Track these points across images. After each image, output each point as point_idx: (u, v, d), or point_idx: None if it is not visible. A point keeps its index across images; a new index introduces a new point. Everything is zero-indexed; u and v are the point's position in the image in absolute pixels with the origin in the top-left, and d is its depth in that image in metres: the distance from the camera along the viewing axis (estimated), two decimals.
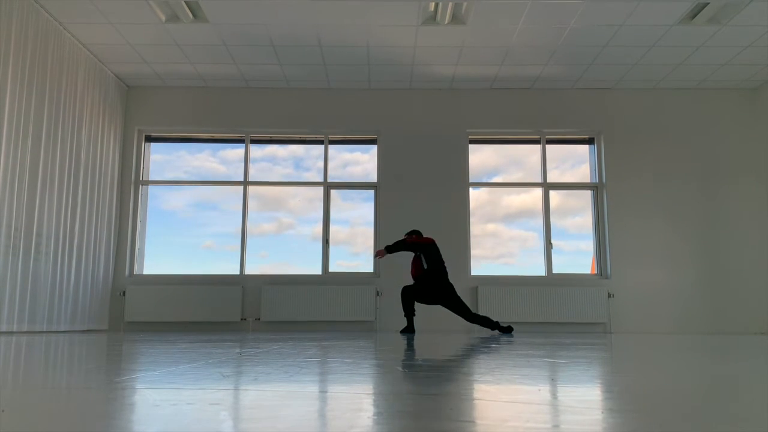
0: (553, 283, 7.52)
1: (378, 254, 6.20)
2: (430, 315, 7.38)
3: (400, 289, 6.26)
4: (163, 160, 8.09)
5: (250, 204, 7.90)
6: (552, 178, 7.99)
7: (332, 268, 7.68)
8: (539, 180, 7.93)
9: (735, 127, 7.78)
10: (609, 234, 7.61)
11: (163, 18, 6.14)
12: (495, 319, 6.59)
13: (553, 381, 1.77)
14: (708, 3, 5.81)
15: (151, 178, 8.00)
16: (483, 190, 8.11)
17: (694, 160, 7.73)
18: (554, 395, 1.47)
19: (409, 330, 6.13)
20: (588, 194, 7.96)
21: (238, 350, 3.09)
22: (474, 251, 7.74)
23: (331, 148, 8.00)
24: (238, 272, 7.63)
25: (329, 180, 7.88)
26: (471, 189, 7.85)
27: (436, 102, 7.90)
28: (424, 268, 6.14)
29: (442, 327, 7.35)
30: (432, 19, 6.20)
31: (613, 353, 3.15)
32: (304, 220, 7.97)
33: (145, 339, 4.49)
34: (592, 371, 2.08)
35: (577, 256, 7.91)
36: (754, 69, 7.27)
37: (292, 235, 8.04)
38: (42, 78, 5.96)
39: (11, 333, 5.40)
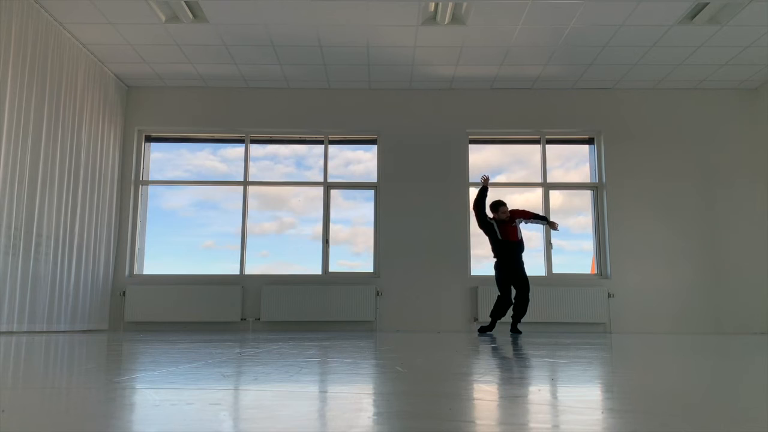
0: (553, 283, 7.51)
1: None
2: (430, 314, 7.38)
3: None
4: (163, 158, 8.09)
5: (251, 203, 7.90)
6: (556, 176, 7.98)
7: (333, 268, 7.68)
8: (541, 180, 7.92)
9: (735, 128, 7.78)
10: (609, 234, 7.61)
11: (163, 18, 6.14)
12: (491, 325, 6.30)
13: (553, 381, 1.77)
14: (708, 3, 5.80)
15: (152, 176, 7.99)
16: None
17: (693, 160, 7.73)
18: (554, 395, 1.47)
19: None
20: (589, 194, 7.95)
21: (238, 350, 3.09)
22: (475, 251, 7.73)
23: (333, 147, 8.00)
24: (238, 272, 7.62)
25: (329, 180, 7.88)
26: (471, 189, 7.84)
27: (436, 102, 7.89)
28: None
29: (442, 327, 7.35)
30: (432, 19, 6.20)
31: (613, 353, 3.15)
32: (306, 220, 7.97)
33: (145, 339, 4.49)
34: (592, 371, 2.08)
35: (578, 256, 7.91)
36: (754, 69, 7.27)
37: (292, 235, 8.04)
38: (42, 78, 5.96)
39: (11, 333, 5.40)
